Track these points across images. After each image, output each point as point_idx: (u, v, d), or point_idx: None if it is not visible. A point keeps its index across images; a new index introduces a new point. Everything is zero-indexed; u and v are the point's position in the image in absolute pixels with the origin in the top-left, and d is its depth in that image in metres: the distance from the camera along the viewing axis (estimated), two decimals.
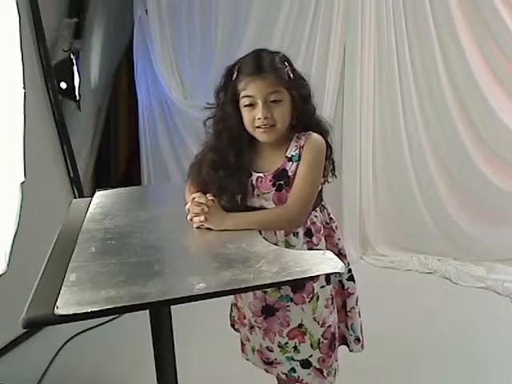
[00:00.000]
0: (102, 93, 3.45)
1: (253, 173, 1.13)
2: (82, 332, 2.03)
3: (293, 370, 1.20)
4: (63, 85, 2.89)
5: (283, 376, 1.23)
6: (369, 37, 2.70)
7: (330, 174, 1.20)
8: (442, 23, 2.59)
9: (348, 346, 1.30)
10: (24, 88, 1.82)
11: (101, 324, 2.03)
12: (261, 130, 1.08)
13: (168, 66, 3.26)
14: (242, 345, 1.31)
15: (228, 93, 1.10)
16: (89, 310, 0.64)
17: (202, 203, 1.02)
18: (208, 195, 1.06)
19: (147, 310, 0.90)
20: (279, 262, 0.81)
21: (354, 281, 1.26)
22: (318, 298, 1.15)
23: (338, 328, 1.26)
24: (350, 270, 1.27)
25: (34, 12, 2.24)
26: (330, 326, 1.17)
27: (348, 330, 1.27)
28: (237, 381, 1.73)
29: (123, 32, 3.42)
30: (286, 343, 1.18)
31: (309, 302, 1.15)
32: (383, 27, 2.68)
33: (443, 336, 1.99)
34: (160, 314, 0.95)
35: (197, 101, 3.15)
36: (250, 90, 1.06)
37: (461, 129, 2.68)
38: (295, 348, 1.18)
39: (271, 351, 1.21)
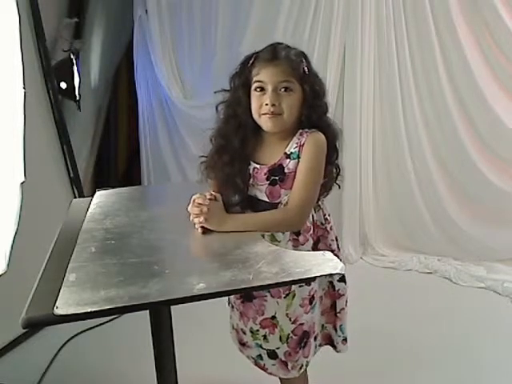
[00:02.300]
0: (101, 93, 3.44)
1: (251, 162, 1.14)
2: (82, 332, 2.03)
3: (260, 356, 1.24)
4: (63, 85, 2.88)
5: (252, 360, 1.27)
6: (369, 37, 2.70)
7: (334, 181, 1.19)
8: (442, 23, 2.59)
9: (335, 347, 1.30)
10: (24, 88, 1.82)
11: (101, 324, 2.03)
12: (267, 116, 1.08)
13: (168, 66, 3.26)
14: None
15: (242, 78, 1.12)
16: (88, 310, 0.64)
17: (200, 204, 1.03)
18: (207, 194, 1.06)
19: (147, 310, 0.90)
20: (279, 263, 0.81)
21: (345, 282, 1.25)
22: (293, 296, 1.17)
23: (325, 328, 1.28)
24: None
25: (34, 12, 2.23)
26: (302, 324, 1.19)
27: (336, 331, 1.28)
28: (237, 380, 1.73)
29: (123, 32, 3.42)
30: (257, 330, 1.21)
31: (284, 297, 1.17)
32: (383, 27, 2.68)
33: (443, 336, 1.99)
34: (160, 314, 0.95)
35: (197, 101, 3.15)
36: (262, 75, 1.08)
37: (461, 129, 2.67)
38: (265, 337, 1.21)
39: (244, 333, 1.25)
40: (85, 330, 2.04)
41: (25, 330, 1.96)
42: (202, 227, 1.01)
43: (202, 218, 1.00)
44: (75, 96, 3.00)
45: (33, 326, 0.65)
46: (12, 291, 1.43)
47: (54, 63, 2.58)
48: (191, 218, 1.03)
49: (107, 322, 2.04)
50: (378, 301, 2.25)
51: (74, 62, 2.97)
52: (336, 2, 2.68)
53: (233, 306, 1.29)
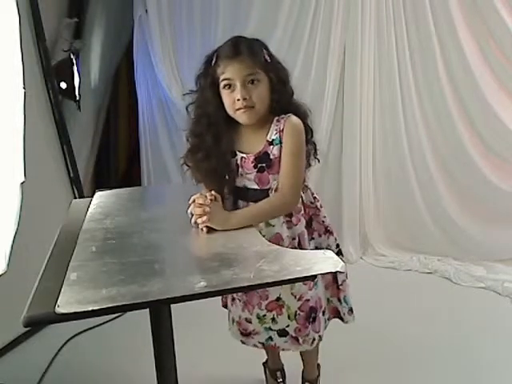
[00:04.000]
0: (101, 93, 3.44)
1: (237, 153, 1.18)
2: (82, 332, 2.03)
3: (270, 338, 1.27)
4: (63, 85, 2.88)
5: (260, 345, 1.29)
6: (369, 37, 2.70)
7: (313, 157, 1.25)
8: (441, 23, 2.59)
9: (342, 319, 1.34)
10: (24, 88, 1.82)
11: (101, 324, 2.03)
12: (241, 111, 1.12)
13: (168, 66, 3.26)
14: (229, 316, 1.37)
15: (208, 78, 1.16)
16: (90, 309, 0.64)
17: (202, 204, 1.04)
18: (208, 194, 1.07)
19: (147, 310, 0.90)
20: (280, 262, 0.81)
21: (342, 254, 1.31)
22: None
23: (331, 302, 1.33)
24: (337, 245, 1.32)
25: (34, 12, 2.23)
26: (307, 300, 1.22)
27: (341, 303, 1.32)
28: (237, 380, 1.73)
29: (123, 32, 3.41)
30: (265, 315, 1.24)
31: None
32: (383, 27, 2.69)
33: (443, 336, 1.99)
34: (160, 313, 0.95)
35: None
36: (228, 72, 1.12)
37: (461, 129, 2.68)
38: (273, 319, 1.24)
39: (249, 322, 1.27)
40: (85, 330, 2.04)
41: (25, 330, 1.96)
42: (207, 226, 1.02)
43: (204, 218, 1.01)
44: (75, 96, 2.99)
45: (34, 325, 0.65)
46: (12, 291, 1.43)
47: (54, 63, 2.58)
48: (193, 219, 1.04)
49: (107, 321, 2.04)
50: (377, 301, 2.25)
51: (74, 61, 2.97)
52: (336, 2, 2.68)
53: (233, 299, 1.30)
